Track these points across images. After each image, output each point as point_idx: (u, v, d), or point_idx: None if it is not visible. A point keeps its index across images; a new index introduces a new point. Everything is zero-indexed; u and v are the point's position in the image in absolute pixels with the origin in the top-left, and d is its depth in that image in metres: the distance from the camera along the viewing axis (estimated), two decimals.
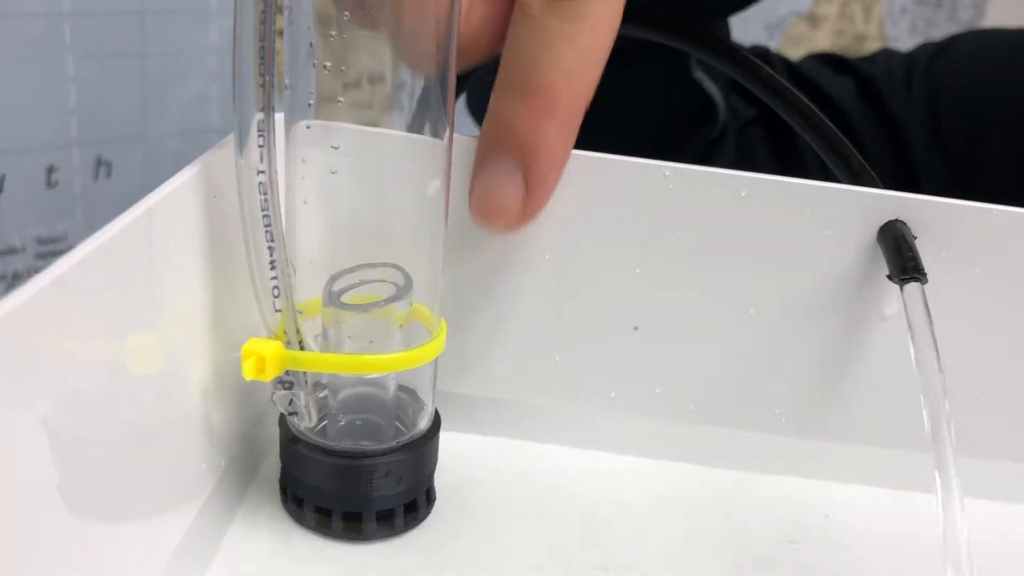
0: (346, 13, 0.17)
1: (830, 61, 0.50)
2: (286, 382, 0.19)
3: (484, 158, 0.19)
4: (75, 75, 0.47)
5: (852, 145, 0.47)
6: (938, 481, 0.18)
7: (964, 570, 0.17)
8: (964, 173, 0.48)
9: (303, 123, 0.19)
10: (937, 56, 0.49)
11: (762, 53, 0.47)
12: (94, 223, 0.53)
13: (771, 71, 0.24)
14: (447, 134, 0.18)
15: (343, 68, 0.18)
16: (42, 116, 0.46)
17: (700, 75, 0.38)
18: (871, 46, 0.90)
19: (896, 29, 0.95)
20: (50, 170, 0.48)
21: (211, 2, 0.50)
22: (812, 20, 0.85)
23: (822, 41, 0.86)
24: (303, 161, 0.19)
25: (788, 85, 0.24)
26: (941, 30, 0.96)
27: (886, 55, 0.51)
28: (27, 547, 0.13)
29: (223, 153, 0.20)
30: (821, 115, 0.24)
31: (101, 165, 0.50)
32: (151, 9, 0.48)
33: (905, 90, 0.49)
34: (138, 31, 0.48)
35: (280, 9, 0.17)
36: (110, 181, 0.51)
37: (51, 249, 0.49)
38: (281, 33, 0.17)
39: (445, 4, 0.17)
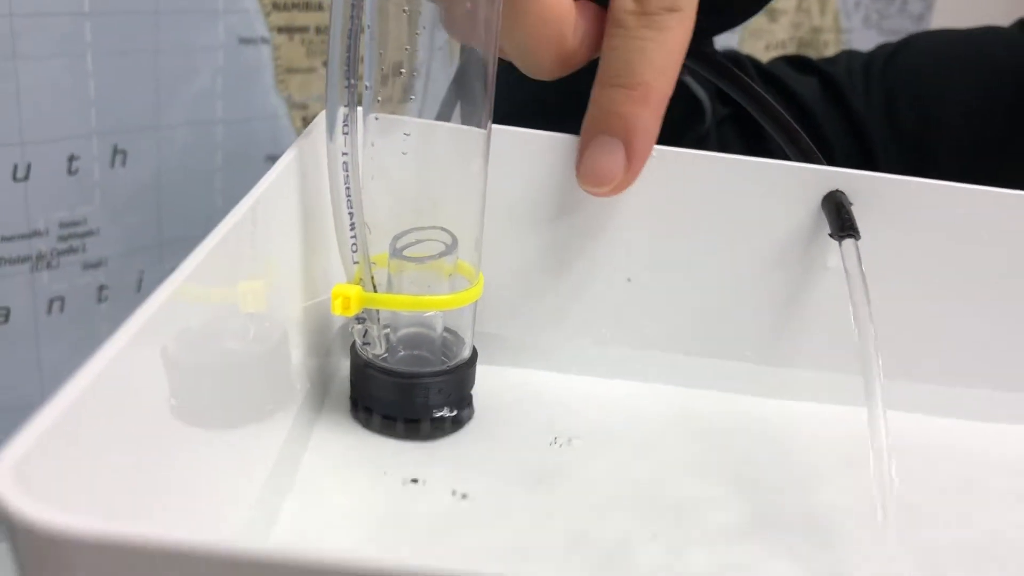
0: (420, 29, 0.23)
1: (796, 63, 0.56)
2: (361, 318, 0.24)
3: (592, 138, 0.25)
4: (94, 70, 0.52)
5: (816, 138, 0.54)
6: (867, 396, 0.24)
7: (885, 463, 0.23)
8: (918, 163, 0.54)
9: (372, 115, 0.24)
10: (892, 57, 0.55)
11: (734, 57, 0.53)
12: (111, 207, 0.58)
13: (737, 71, 0.31)
14: (487, 126, 0.24)
15: (404, 71, 0.23)
16: (64, 109, 0.51)
17: (688, 79, 0.44)
18: (827, 38, 0.96)
19: (850, 22, 1.02)
20: (71, 158, 0.52)
21: (219, 2, 0.55)
22: (771, 14, 0.92)
23: (780, 33, 0.93)
24: (372, 145, 0.24)
25: (750, 82, 0.30)
26: (893, 22, 1.03)
27: (847, 56, 0.57)
28: (162, 452, 0.18)
29: (310, 140, 0.25)
30: (775, 105, 0.30)
31: (117, 153, 0.54)
32: (164, 9, 0.53)
33: (864, 88, 0.55)
34: (152, 29, 0.53)
35: (363, 28, 0.23)
36: (125, 168, 0.55)
37: (72, 232, 0.53)
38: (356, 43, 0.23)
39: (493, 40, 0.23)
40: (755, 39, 0.88)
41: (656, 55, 0.25)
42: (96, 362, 0.15)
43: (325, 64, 0.65)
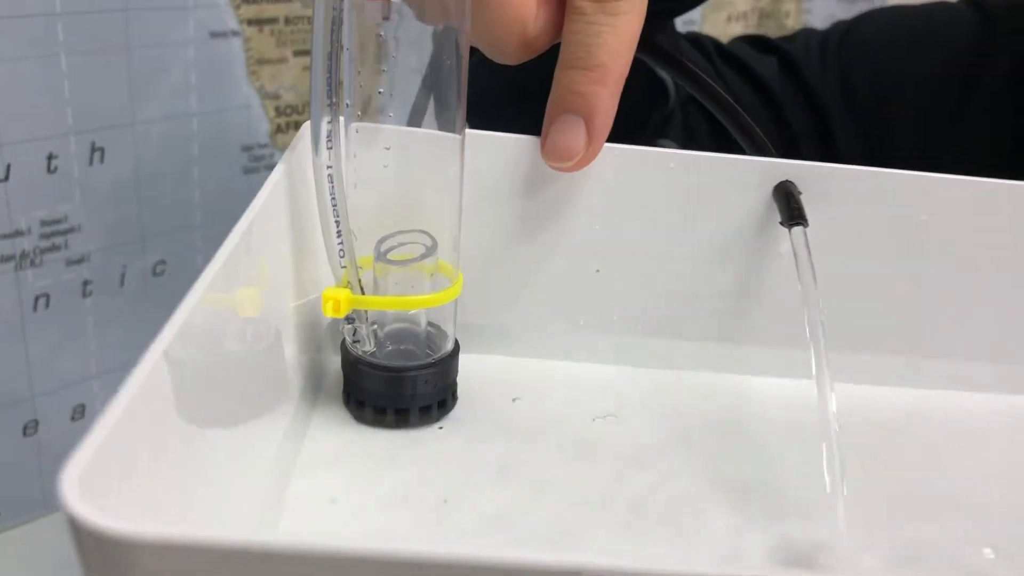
0: (393, 55, 0.25)
1: (755, 42, 0.58)
2: (350, 318, 0.27)
3: (555, 117, 0.28)
4: (68, 70, 0.53)
5: (776, 115, 0.57)
6: (814, 368, 0.26)
7: (832, 431, 0.25)
8: (873, 135, 0.56)
9: (353, 127, 0.26)
10: (847, 33, 0.58)
11: (695, 38, 0.55)
12: (91, 203, 0.59)
13: (690, 64, 0.33)
14: (461, 132, 0.26)
15: (382, 92, 0.25)
16: (40, 109, 0.52)
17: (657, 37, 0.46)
18: (787, 7, 0.98)
19: None
20: (50, 157, 0.53)
21: None
22: None
23: (742, 5, 0.94)
24: (354, 156, 0.26)
25: (705, 77, 0.32)
26: None
27: (804, 34, 0.59)
28: (187, 452, 0.20)
29: (296, 154, 0.27)
30: (730, 99, 0.32)
31: (95, 151, 0.56)
32: (135, 6, 0.54)
33: (820, 65, 0.57)
34: (123, 27, 0.54)
35: (342, 48, 0.24)
36: (104, 165, 0.56)
37: (54, 229, 0.55)
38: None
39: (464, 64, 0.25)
40: (717, 11, 0.90)
41: (612, 39, 0.27)
42: (137, 376, 0.17)
43: (295, 54, 0.66)
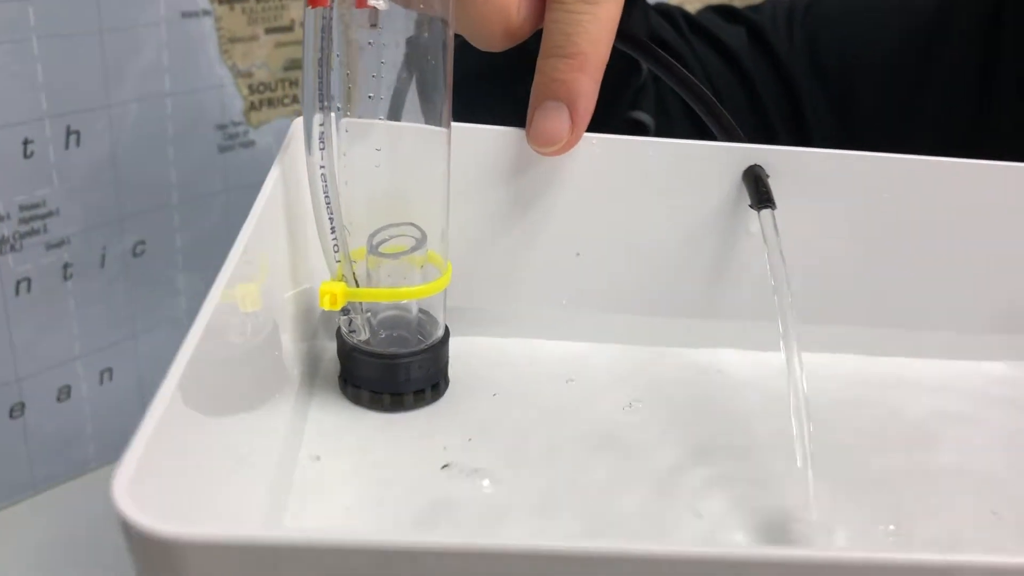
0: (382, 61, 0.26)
1: (724, 12, 0.59)
2: (346, 310, 0.28)
3: (539, 104, 0.29)
4: (40, 54, 0.53)
5: (744, 85, 0.58)
6: (783, 340, 0.28)
7: (800, 399, 0.27)
8: (840, 104, 0.58)
9: (344, 126, 0.27)
10: (812, 3, 0.59)
11: (664, 10, 0.56)
12: (69, 186, 0.60)
13: (660, 51, 0.34)
14: (448, 125, 0.28)
15: (372, 96, 0.27)
16: (14, 94, 0.52)
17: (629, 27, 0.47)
18: None
19: None
20: (26, 142, 0.54)
21: None
22: None
23: None
24: (344, 155, 0.28)
25: (674, 62, 0.34)
26: None
27: (772, 4, 0.60)
28: (209, 445, 0.22)
29: (289, 154, 0.28)
30: (701, 86, 0.33)
31: (71, 134, 0.56)
32: None
33: (787, 35, 0.59)
34: (94, 9, 0.54)
35: (331, 54, 0.26)
36: (80, 148, 0.57)
37: (33, 214, 0.55)
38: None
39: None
40: None
41: (591, 27, 0.29)
42: (168, 383, 0.18)
43: (267, 32, 0.66)
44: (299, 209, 0.29)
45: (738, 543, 0.25)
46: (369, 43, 0.26)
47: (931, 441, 0.31)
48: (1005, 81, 0.54)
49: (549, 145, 0.29)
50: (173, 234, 0.62)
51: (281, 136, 0.66)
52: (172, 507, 0.16)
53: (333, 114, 0.27)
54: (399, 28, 0.26)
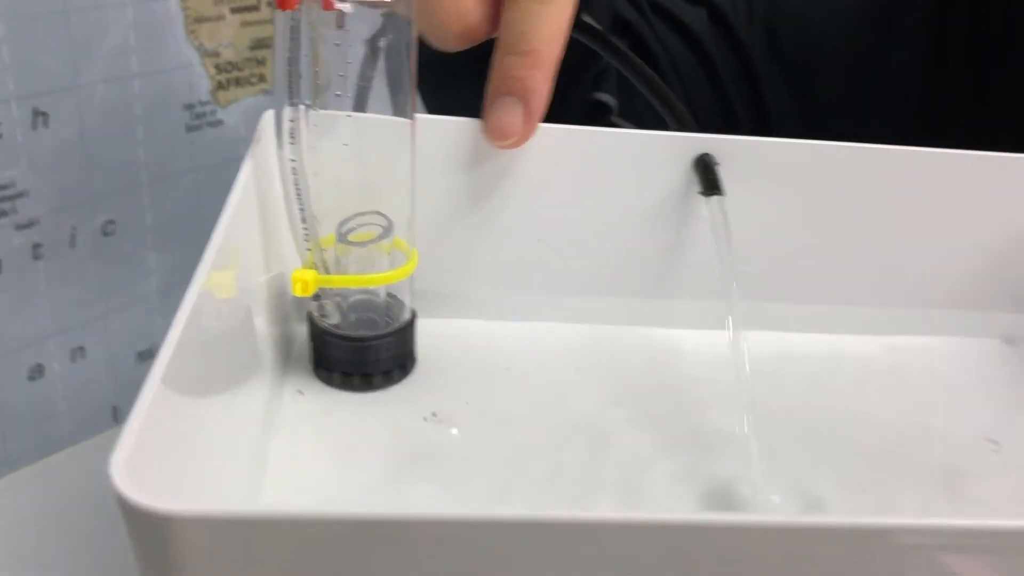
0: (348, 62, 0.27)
1: None
2: (317, 296, 0.30)
3: (495, 99, 0.31)
4: (6, 36, 0.53)
5: (705, 65, 0.60)
6: (728, 318, 0.30)
7: (745, 372, 0.30)
8: (799, 87, 0.60)
9: (313, 120, 0.29)
10: None
11: None
12: (38, 168, 0.61)
13: (618, 42, 0.36)
14: (413, 117, 0.29)
15: (339, 94, 0.28)
16: None
17: (586, 17, 0.49)
18: None
19: None
20: None
21: None
22: None
23: None
24: (313, 148, 0.29)
25: (634, 56, 0.36)
26: None
27: None
28: (196, 425, 0.23)
29: (260, 148, 0.30)
30: (655, 76, 0.35)
31: (38, 115, 0.57)
32: None
33: (747, 17, 0.60)
34: None
35: (300, 54, 0.27)
36: (48, 129, 0.58)
37: (2, 195, 0.56)
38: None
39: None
40: None
41: (545, 26, 0.30)
42: (156, 370, 0.20)
43: (232, 11, 0.67)
44: (270, 197, 0.31)
45: (685, 507, 0.27)
46: (336, 44, 0.27)
47: (868, 412, 0.33)
48: (956, 67, 0.56)
49: (504, 139, 0.31)
50: (143, 213, 0.63)
51: (249, 115, 0.67)
52: (164, 484, 0.18)
53: (303, 108, 0.28)
54: (365, 28, 0.27)
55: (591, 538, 0.20)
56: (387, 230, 0.30)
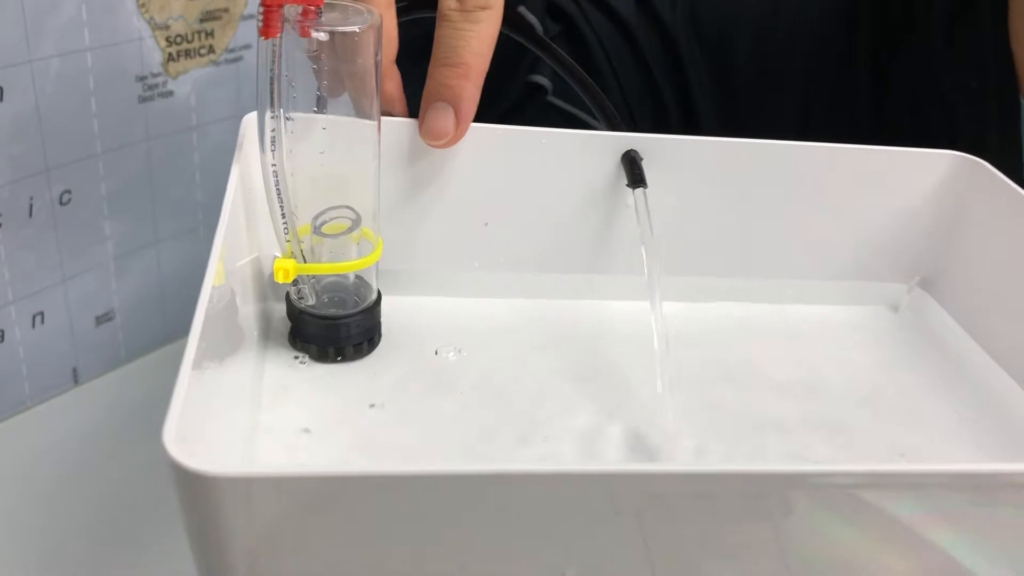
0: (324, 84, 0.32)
1: None
2: (296, 281, 0.35)
3: (429, 105, 0.36)
4: None
5: (632, 50, 0.65)
6: (649, 291, 0.36)
7: (662, 337, 0.35)
8: (718, 66, 0.65)
9: (290, 128, 0.34)
10: None
11: None
12: None
13: (550, 42, 0.41)
14: (378, 119, 0.34)
15: (316, 110, 0.33)
16: None
17: (521, 9, 0.54)
18: None
19: None
20: None
21: None
22: None
23: None
24: (291, 151, 0.34)
25: (567, 56, 0.41)
26: None
27: None
28: (213, 394, 0.29)
29: (244, 153, 0.34)
30: (585, 75, 0.40)
31: None
32: None
33: (671, 1, 0.65)
34: None
35: (280, 74, 0.32)
36: (4, 103, 0.61)
37: None
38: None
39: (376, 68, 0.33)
40: None
41: (473, 41, 0.35)
42: (190, 349, 0.25)
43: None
44: (250, 187, 0.35)
45: (609, 457, 0.34)
46: (313, 68, 0.32)
47: (769, 372, 0.40)
48: (862, 51, 0.62)
49: (437, 139, 0.36)
50: (98, 183, 0.66)
51: (199, 85, 0.70)
52: (205, 449, 0.23)
53: (282, 118, 0.33)
54: (337, 51, 0.32)
55: (521, 488, 0.25)
56: (356, 223, 0.35)
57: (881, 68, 0.62)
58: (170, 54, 0.67)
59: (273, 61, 0.31)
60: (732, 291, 0.43)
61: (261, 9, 0.31)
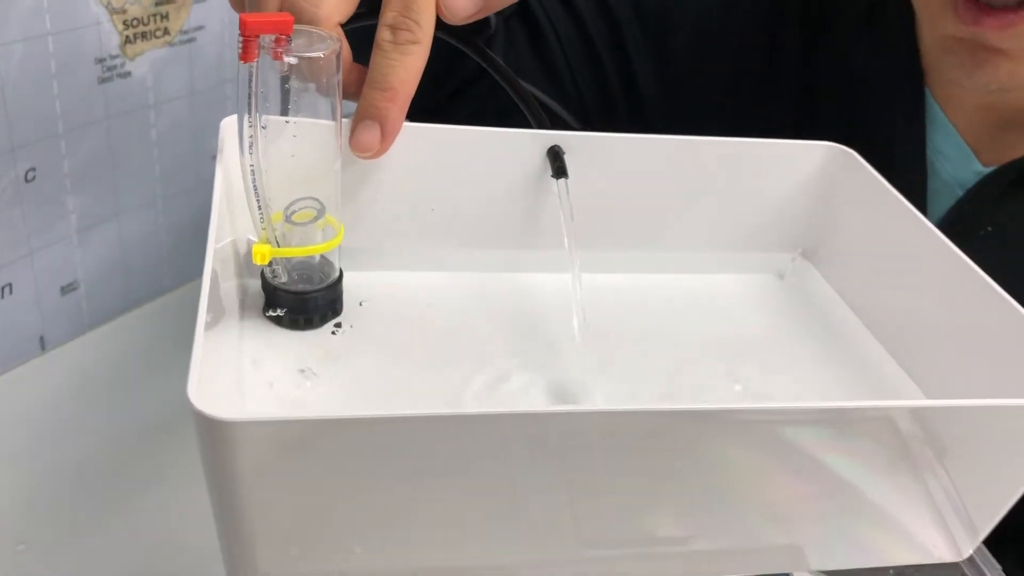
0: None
1: None
2: (271, 261, 0.43)
3: (359, 121, 0.43)
4: None
5: (580, 31, 0.71)
6: (569, 265, 0.45)
7: (577, 297, 0.44)
8: (659, 44, 0.72)
9: (264, 134, 0.41)
10: None
11: None
12: None
13: (484, 48, 0.48)
14: (339, 123, 0.42)
15: (288, 120, 0.40)
16: None
17: None
18: None
19: None
20: None
21: None
22: None
23: None
24: (266, 151, 0.41)
25: (501, 62, 0.48)
26: None
27: None
28: (209, 352, 0.36)
29: (224, 155, 0.42)
30: (523, 83, 0.48)
31: None
32: None
33: None
34: None
35: (256, 92, 0.39)
36: None
37: None
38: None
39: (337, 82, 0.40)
40: None
41: (401, 71, 0.43)
42: (200, 318, 0.33)
43: None
44: (231, 186, 0.43)
45: (535, 400, 0.42)
46: (286, 87, 0.39)
47: (671, 332, 0.49)
48: (790, 36, 0.69)
49: (363, 152, 0.44)
50: (61, 160, 0.72)
51: (155, 66, 0.76)
52: (218, 400, 0.31)
53: (258, 127, 0.40)
54: (304, 71, 0.40)
55: (463, 429, 0.34)
56: (320, 212, 0.43)
57: (805, 54, 0.69)
58: (127, 37, 0.73)
59: (250, 81, 0.38)
60: (641, 262, 0.52)
61: (240, 38, 0.38)
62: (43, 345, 0.76)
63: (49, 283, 0.75)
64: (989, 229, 0.63)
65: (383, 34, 0.42)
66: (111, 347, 0.79)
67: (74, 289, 0.76)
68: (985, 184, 0.63)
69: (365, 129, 0.43)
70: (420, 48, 0.42)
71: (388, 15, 0.42)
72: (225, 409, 0.30)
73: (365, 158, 0.44)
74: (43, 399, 0.76)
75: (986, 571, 0.44)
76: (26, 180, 0.71)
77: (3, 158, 0.69)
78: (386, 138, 0.44)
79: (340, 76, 0.41)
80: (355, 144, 0.43)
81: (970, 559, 0.43)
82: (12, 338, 0.74)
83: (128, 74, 0.74)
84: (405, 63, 0.42)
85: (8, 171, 0.70)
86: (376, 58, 0.43)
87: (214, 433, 0.30)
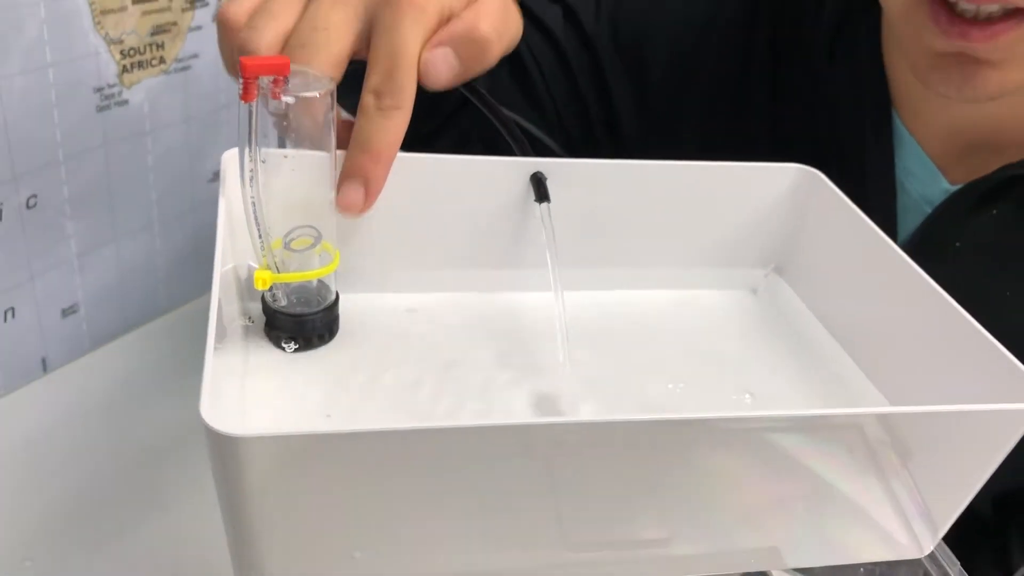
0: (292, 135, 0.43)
1: None
2: (271, 286, 0.46)
3: (344, 181, 0.47)
4: None
5: (561, 61, 0.74)
6: (552, 284, 0.48)
7: (561, 318, 0.47)
8: (637, 73, 0.75)
9: (264, 168, 0.44)
10: None
11: None
12: None
13: (482, 92, 0.52)
14: (333, 156, 0.45)
15: (287, 156, 0.43)
16: None
17: None
18: None
19: None
20: None
21: None
22: None
23: None
24: (265, 184, 0.44)
25: (484, 91, 0.52)
26: None
27: None
28: (226, 370, 0.39)
29: (227, 187, 0.45)
30: (504, 111, 0.51)
31: None
32: None
33: (595, 12, 0.74)
34: None
35: (257, 128, 0.42)
36: None
37: None
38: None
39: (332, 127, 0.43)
40: None
41: (385, 134, 0.46)
42: (209, 340, 0.36)
43: (134, 3, 0.79)
44: (231, 209, 0.46)
45: (523, 412, 0.45)
46: (284, 123, 0.42)
47: (650, 344, 0.52)
48: (759, 63, 0.72)
49: (348, 211, 0.47)
50: (60, 186, 0.75)
51: (152, 94, 0.79)
52: (226, 417, 0.34)
53: (258, 161, 0.43)
54: (300, 109, 0.43)
55: (457, 441, 0.37)
56: (317, 239, 0.46)
57: (775, 80, 0.72)
58: (124, 66, 0.76)
59: (251, 119, 0.42)
60: (621, 279, 0.55)
61: (241, 80, 0.41)
62: (45, 367, 0.79)
63: (50, 306, 0.78)
64: (957, 245, 0.66)
65: (367, 99, 0.45)
66: (111, 367, 0.82)
67: (74, 312, 0.79)
68: (952, 201, 0.66)
69: (351, 188, 0.46)
70: (402, 113, 0.46)
71: (372, 80, 0.45)
72: (233, 425, 0.33)
73: (350, 215, 0.47)
74: (46, 418, 0.79)
75: (947, 567, 0.47)
76: (28, 207, 0.74)
77: (6, 186, 0.72)
78: (370, 197, 0.47)
79: (335, 112, 0.44)
80: (341, 203, 0.47)
81: (931, 555, 0.47)
82: (15, 360, 0.77)
83: (125, 102, 0.77)
84: (387, 127, 0.45)
85: (11, 198, 0.73)
86: (361, 121, 0.46)
87: (224, 448, 0.33)
